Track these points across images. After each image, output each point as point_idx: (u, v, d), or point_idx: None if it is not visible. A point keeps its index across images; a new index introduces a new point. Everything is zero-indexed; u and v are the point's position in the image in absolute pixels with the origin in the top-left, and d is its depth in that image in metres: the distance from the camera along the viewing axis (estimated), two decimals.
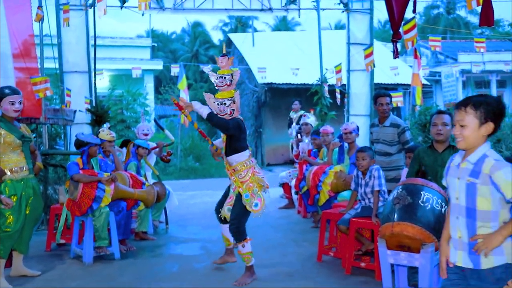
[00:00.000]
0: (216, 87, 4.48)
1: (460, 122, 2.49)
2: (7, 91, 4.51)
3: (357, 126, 6.16)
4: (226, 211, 4.70)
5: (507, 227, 2.39)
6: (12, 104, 4.48)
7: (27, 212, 4.58)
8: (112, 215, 5.39)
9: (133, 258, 5.47)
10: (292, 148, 9.77)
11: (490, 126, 2.47)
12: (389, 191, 4.70)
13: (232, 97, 4.43)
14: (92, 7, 8.53)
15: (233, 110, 4.44)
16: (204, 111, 4.32)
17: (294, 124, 10.00)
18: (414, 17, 5.57)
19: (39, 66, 7.21)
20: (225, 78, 4.42)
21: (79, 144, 5.41)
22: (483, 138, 2.49)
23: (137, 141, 6.60)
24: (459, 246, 2.52)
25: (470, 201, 2.47)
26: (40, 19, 7.17)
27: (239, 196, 4.52)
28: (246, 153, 4.54)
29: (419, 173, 4.24)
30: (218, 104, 4.41)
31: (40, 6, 7.14)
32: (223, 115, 4.39)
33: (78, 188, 5.13)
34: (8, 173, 4.45)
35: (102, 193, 5.20)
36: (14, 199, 4.44)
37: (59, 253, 5.68)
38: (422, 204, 3.47)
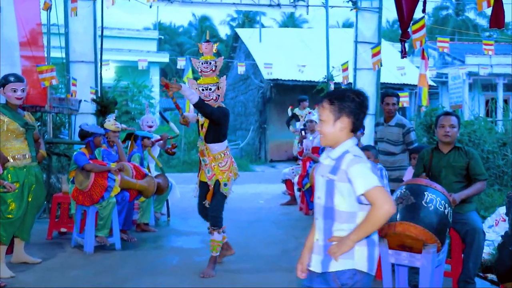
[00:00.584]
0: (200, 73, 4.54)
1: (320, 117, 2.38)
2: (10, 78, 4.51)
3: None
4: (207, 203, 4.69)
5: (356, 232, 2.24)
6: (14, 91, 4.48)
7: (29, 199, 4.60)
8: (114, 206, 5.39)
9: (134, 249, 5.48)
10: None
11: (345, 121, 2.32)
12: (392, 191, 4.69)
13: (217, 83, 4.49)
14: None
15: (218, 96, 4.49)
16: (193, 98, 4.30)
17: (301, 121, 9.97)
18: (423, 17, 5.53)
19: (46, 55, 7.20)
20: (210, 63, 4.49)
21: (84, 134, 5.42)
22: (345, 133, 2.34)
23: (139, 132, 6.60)
24: (316, 249, 2.37)
25: (328, 200, 2.32)
26: (48, 8, 7.17)
27: (218, 184, 4.56)
28: (226, 143, 4.66)
29: (424, 174, 4.22)
30: (202, 90, 4.44)
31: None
32: (208, 101, 4.40)
33: (89, 178, 5.14)
34: (11, 160, 4.47)
35: (113, 183, 5.25)
36: (17, 186, 4.45)
37: (61, 242, 5.70)
38: (425, 205, 3.45)
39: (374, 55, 7.65)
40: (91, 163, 5.23)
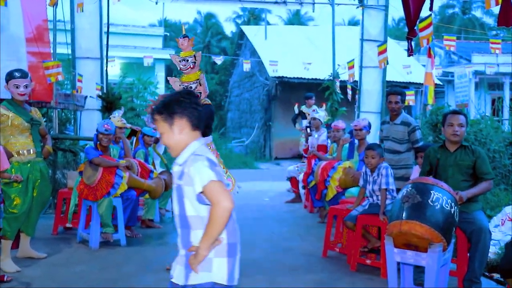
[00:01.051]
0: (180, 71, 4.42)
1: (159, 131, 2.30)
2: (14, 74, 4.52)
3: (369, 123, 6.12)
4: None
5: (204, 238, 2.11)
6: (17, 87, 4.49)
7: (35, 194, 4.61)
8: (119, 202, 5.41)
9: (139, 245, 5.49)
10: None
11: (179, 123, 2.24)
12: (398, 189, 4.68)
13: (198, 79, 4.35)
14: None
15: (200, 93, 4.36)
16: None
17: (308, 118, 9.95)
18: (430, 15, 5.49)
19: (52, 51, 7.22)
20: (187, 60, 4.33)
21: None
22: (187, 134, 2.26)
23: (144, 129, 6.61)
24: (179, 260, 2.27)
25: (180, 207, 2.21)
26: (54, 4, 7.18)
27: None
28: (210, 137, 4.53)
29: (430, 172, 4.20)
30: (184, 88, 4.31)
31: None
32: None
33: (97, 172, 5.15)
34: (15, 155, 4.48)
35: (120, 180, 5.25)
36: (20, 182, 4.46)
37: (66, 237, 5.71)
38: (432, 204, 3.44)
39: (380, 53, 7.62)
40: (100, 157, 5.24)
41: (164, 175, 6.37)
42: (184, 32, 4.41)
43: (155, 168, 6.35)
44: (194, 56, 4.36)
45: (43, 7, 7.00)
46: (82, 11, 7.59)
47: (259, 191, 9.63)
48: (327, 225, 5.23)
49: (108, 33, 8.31)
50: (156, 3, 8.84)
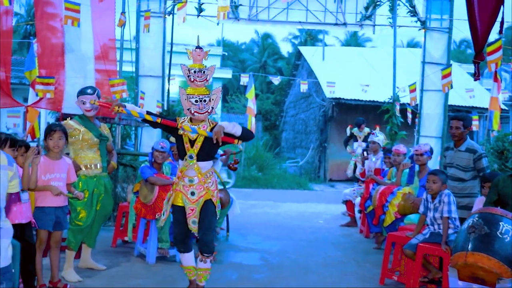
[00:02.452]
0: (190, 83, 3.99)
1: None
2: (83, 90, 4.76)
3: (431, 148, 5.93)
4: (192, 224, 4.09)
5: None
6: (83, 103, 4.71)
7: (98, 208, 4.77)
8: None
9: None
10: (355, 166, 9.58)
11: None
12: (461, 219, 4.50)
13: (208, 94, 3.99)
14: (171, 15, 8.84)
15: (212, 108, 4.04)
16: (237, 129, 3.99)
17: (360, 141, 9.82)
18: (500, 38, 5.30)
19: (118, 69, 7.52)
20: (203, 72, 3.98)
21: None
22: None
23: None
24: None
25: None
26: (122, 25, 7.50)
27: (209, 205, 4.07)
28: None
29: (497, 203, 4.01)
30: (196, 101, 3.94)
31: (123, 12, 7.47)
32: (202, 113, 3.97)
33: (153, 192, 5.25)
34: (83, 169, 4.67)
35: None
36: (86, 195, 4.64)
37: (124, 250, 5.85)
38: (501, 236, 3.28)
39: (444, 77, 7.41)
40: (154, 176, 5.34)
41: (221, 193, 6.42)
42: (198, 44, 4.11)
43: None
44: (207, 70, 4.03)
45: (112, 27, 7.32)
46: (148, 31, 7.88)
47: (313, 213, 9.52)
48: (385, 252, 5.09)
49: (171, 52, 8.57)
50: (218, 23, 9.04)
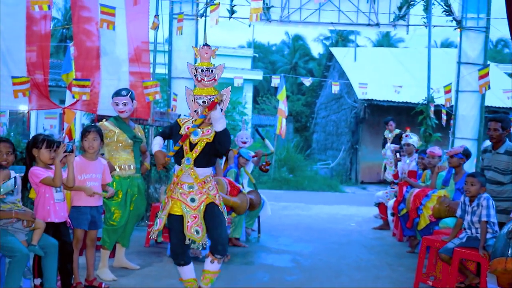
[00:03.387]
0: (198, 82, 3.71)
1: None
2: (117, 91, 4.85)
3: (465, 150, 5.78)
4: (195, 234, 3.75)
5: None
6: (117, 104, 4.80)
7: (131, 208, 4.85)
8: None
9: (226, 263, 5.55)
10: (385, 168, 9.44)
11: None
12: (501, 224, 4.37)
13: (215, 94, 3.65)
14: (203, 17, 8.92)
15: (221, 110, 3.69)
16: (222, 122, 3.67)
17: (389, 143, 9.66)
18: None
19: (151, 71, 7.62)
20: (212, 71, 3.69)
21: None
22: None
23: (241, 150, 6.72)
24: None
25: None
26: (156, 27, 7.60)
27: (212, 207, 3.79)
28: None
29: None
30: (203, 102, 3.65)
31: (156, 15, 7.57)
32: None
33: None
34: (117, 169, 4.75)
35: None
36: (120, 195, 4.72)
37: (157, 250, 5.92)
38: None
39: (481, 77, 7.23)
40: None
41: (252, 195, 6.46)
42: (206, 41, 3.85)
43: (243, 187, 6.44)
44: (215, 69, 3.74)
45: (146, 29, 7.42)
46: (181, 33, 7.96)
47: (345, 216, 9.43)
48: (420, 256, 4.99)
49: None
50: (249, 25, 9.07)
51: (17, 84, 6.72)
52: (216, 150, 3.77)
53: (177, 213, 3.77)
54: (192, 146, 3.75)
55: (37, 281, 3.89)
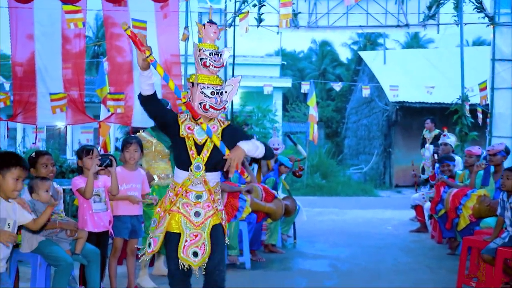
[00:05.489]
0: (203, 68, 3.04)
1: None
2: None
3: (506, 148, 5.65)
4: (191, 257, 3.03)
5: None
6: None
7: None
8: (244, 225, 5.56)
9: (263, 269, 5.57)
10: (423, 170, 9.28)
11: None
12: None
13: (222, 84, 3.09)
14: (231, 27, 9.01)
15: (226, 102, 3.16)
16: (260, 150, 3.09)
17: (427, 144, 9.50)
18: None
19: (183, 83, 7.74)
20: (220, 55, 3.08)
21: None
22: None
23: (282, 158, 6.73)
24: None
25: None
26: (186, 39, 7.73)
27: (219, 231, 3.13)
28: None
29: None
30: (211, 94, 3.01)
31: (186, 27, 7.70)
32: (219, 109, 3.04)
33: (222, 198, 5.35)
34: (156, 179, 4.83)
35: (244, 204, 5.42)
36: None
37: None
38: None
39: None
40: (223, 183, 5.44)
41: (287, 201, 6.46)
42: (210, 17, 3.26)
43: (278, 193, 6.45)
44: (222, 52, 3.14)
45: (176, 42, 7.56)
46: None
47: (381, 219, 9.31)
48: (461, 257, 4.89)
49: (233, 64, 8.72)
50: (278, 32, 9.11)
51: (55, 100, 6.95)
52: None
53: (175, 231, 3.06)
54: (199, 148, 3.08)
55: None
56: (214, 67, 3.02)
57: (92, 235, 4.01)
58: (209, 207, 3.09)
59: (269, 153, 3.19)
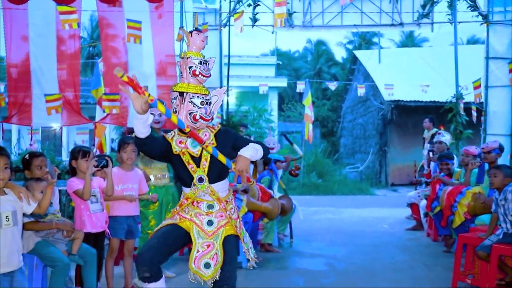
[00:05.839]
0: (192, 77, 2.95)
1: None
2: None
3: (500, 146, 5.69)
4: (202, 269, 2.95)
5: None
6: (153, 115, 4.87)
7: (166, 217, 4.92)
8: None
9: (260, 268, 5.55)
10: (422, 168, 9.31)
11: None
12: None
13: (207, 94, 2.98)
14: (226, 27, 9.03)
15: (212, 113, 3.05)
16: (260, 152, 2.99)
17: (426, 143, 9.52)
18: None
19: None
20: (208, 64, 3.01)
21: None
22: None
23: (272, 155, 6.75)
24: None
25: None
26: (181, 39, 7.73)
27: (232, 241, 3.02)
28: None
29: None
30: (201, 104, 2.92)
31: (181, 27, 7.70)
32: (207, 120, 2.95)
33: None
34: (152, 179, 4.84)
35: (240, 203, 5.42)
36: (156, 204, 4.81)
37: None
38: None
39: (511, 71, 7.10)
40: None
41: (283, 200, 6.48)
42: (197, 25, 3.28)
43: (274, 193, 6.46)
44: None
45: (171, 43, 7.56)
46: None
47: (377, 218, 9.34)
48: (456, 255, 4.91)
49: (229, 64, 8.74)
50: (272, 32, 9.14)
51: (50, 101, 6.94)
52: (223, 154, 2.97)
53: (186, 228, 3.00)
54: (197, 161, 3.00)
55: None
56: (204, 76, 2.94)
57: (90, 235, 4.02)
58: (222, 216, 3.00)
59: (266, 152, 3.09)
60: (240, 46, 41.80)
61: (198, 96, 2.91)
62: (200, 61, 2.94)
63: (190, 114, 2.90)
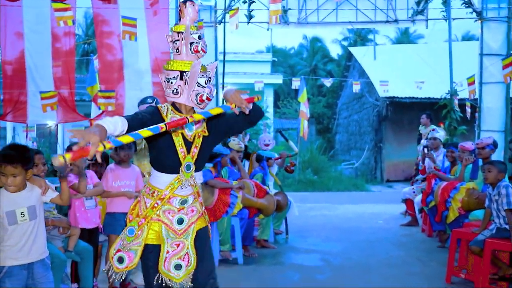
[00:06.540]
0: (193, 54, 2.65)
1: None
2: (144, 99, 4.96)
3: (494, 141, 5.72)
4: (172, 271, 2.61)
5: None
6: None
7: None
8: (236, 221, 5.60)
9: (255, 264, 5.61)
10: (418, 163, 9.35)
11: None
12: None
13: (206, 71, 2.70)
14: (221, 24, 9.03)
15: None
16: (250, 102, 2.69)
17: (423, 140, 9.55)
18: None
19: None
20: (203, 40, 2.69)
21: (211, 155, 5.70)
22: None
23: (263, 152, 6.77)
24: None
25: None
26: None
27: (205, 235, 2.82)
28: None
29: None
30: (205, 83, 2.65)
31: (176, 24, 7.70)
32: (210, 100, 2.69)
33: (214, 194, 5.40)
34: (146, 176, 4.85)
35: (235, 200, 5.45)
36: None
37: None
38: None
39: (505, 67, 7.15)
40: (214, 179, 5.48)
41: (278, 196, 6.50)
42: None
43: (269, 189, 6.49)
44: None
45: (166, 40, 7.55)
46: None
47: (372, 214, 9.38)
48: (450, 250, 4.96)
49: (224, 61, 8.74)
50: (268, 29, 9.14)
51: (45, 99, 6.93)
52: (212, 143, 2.83)
53: (155, 242, 2.66)
54: (189, 145, 2.70)
55: (74, 286, 4.01)
56: (204, 52, 2.65)
57: (85, 231, 4.04)
58: (193, 211, 2.73)
59: (257, 108, 2.79)
60: (236, 43, 41.70)
61: (202, 75, 2.62)
62: (199, 36, 2.64)
63: (197, 95, 2.61)
